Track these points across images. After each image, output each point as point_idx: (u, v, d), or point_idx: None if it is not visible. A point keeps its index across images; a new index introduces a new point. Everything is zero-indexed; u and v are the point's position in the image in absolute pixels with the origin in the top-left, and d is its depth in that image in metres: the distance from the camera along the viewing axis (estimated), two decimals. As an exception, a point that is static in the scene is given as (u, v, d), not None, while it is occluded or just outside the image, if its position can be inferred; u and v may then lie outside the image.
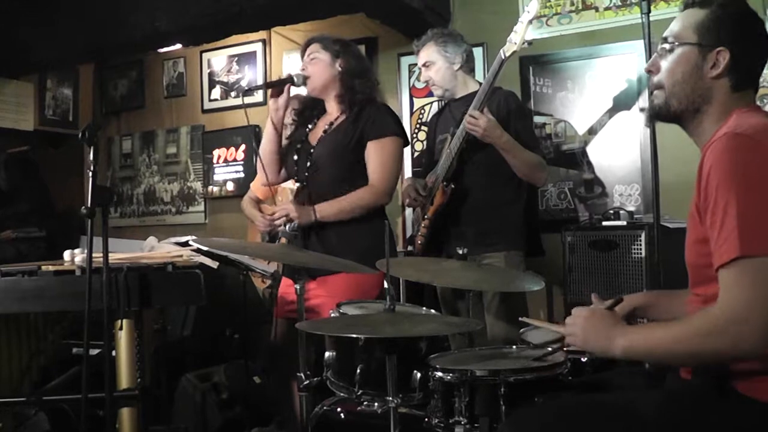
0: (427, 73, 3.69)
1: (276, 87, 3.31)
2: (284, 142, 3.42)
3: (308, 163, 3.24)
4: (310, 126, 3.36)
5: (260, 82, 5.72)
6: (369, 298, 2.94)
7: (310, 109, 3.42)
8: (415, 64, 5.01)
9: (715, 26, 1.76)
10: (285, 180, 3.49)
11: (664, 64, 1.83)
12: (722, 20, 1.77)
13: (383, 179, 3.19)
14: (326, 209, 3.14)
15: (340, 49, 3.28)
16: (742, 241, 1.53)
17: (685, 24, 1.81)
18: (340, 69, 3.25)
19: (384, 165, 3.19)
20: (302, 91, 3.40)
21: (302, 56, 3.34)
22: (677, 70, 1.80)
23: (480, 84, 3.52)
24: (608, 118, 4.41)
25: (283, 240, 2.84)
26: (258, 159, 3.37)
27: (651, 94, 1.90)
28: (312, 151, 3.24)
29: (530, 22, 3.24)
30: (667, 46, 1.83)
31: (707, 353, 1.58)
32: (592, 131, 4.47)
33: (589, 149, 4.48)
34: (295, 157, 3.29)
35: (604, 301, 1.97)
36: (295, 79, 3.25)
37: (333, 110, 3.31)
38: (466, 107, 3.40)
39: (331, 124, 3.27)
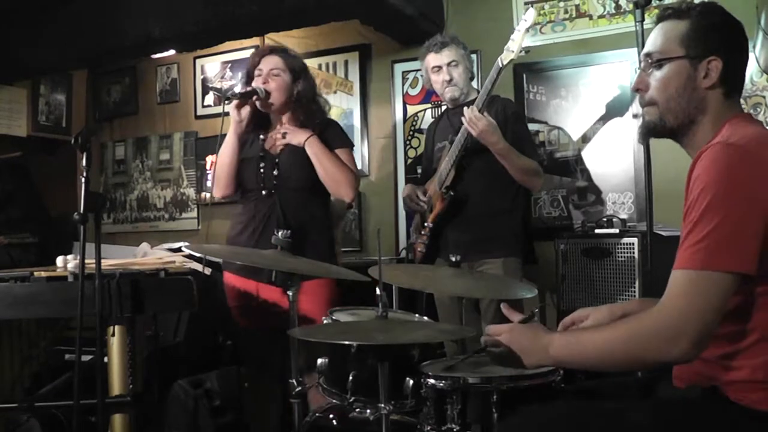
0: (451, 72, 3.65)
1: (242, 99, 3.27)
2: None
3: (275, 172, 3.26)
4: (262, 138, 3.36)
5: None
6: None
7: (252, 123, 3.37)
8: (409, 71, 5.04)
9: (700, 36, 1.76)
10: (235, 192, 3.42)
11: (653, 81, 1.82)
12: (707, 29, 1.77)
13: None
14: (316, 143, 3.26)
15: (300, 72, 3.31)
16: (707, 254, 1.54)
17: (668, 38, 1.80)
18: (296, 92, 3.28)
19: (354, 166, 3.35)
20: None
21: (256, 62, 3.32)
22: (670, 86, 1.79)
23: (478, 92, 3.53)
24: (602, 126, 4.43)
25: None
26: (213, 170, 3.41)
27: (641, 111, 1.89)
28: (277, 161, 3.27)
29: (527, 30, 3.25)
30: (652, 62, 1.82)
31: (638, 356, 1.60)
32: (585, 139, 4.48)
33: (583, 157, 4.49)
34: (261, 169, 3.28)
35: (516, 313, 1.99)
36: (259, 93, 3.25)
37: (286, 124, 3.34)
38: None
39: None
